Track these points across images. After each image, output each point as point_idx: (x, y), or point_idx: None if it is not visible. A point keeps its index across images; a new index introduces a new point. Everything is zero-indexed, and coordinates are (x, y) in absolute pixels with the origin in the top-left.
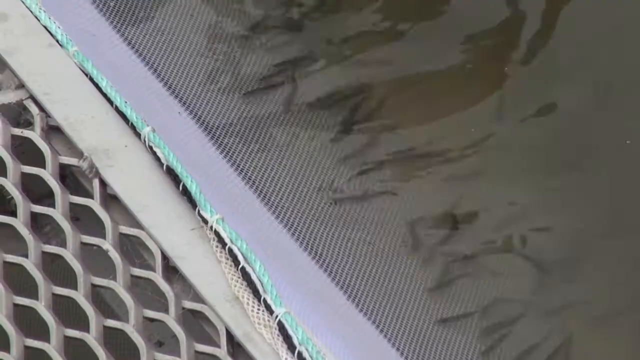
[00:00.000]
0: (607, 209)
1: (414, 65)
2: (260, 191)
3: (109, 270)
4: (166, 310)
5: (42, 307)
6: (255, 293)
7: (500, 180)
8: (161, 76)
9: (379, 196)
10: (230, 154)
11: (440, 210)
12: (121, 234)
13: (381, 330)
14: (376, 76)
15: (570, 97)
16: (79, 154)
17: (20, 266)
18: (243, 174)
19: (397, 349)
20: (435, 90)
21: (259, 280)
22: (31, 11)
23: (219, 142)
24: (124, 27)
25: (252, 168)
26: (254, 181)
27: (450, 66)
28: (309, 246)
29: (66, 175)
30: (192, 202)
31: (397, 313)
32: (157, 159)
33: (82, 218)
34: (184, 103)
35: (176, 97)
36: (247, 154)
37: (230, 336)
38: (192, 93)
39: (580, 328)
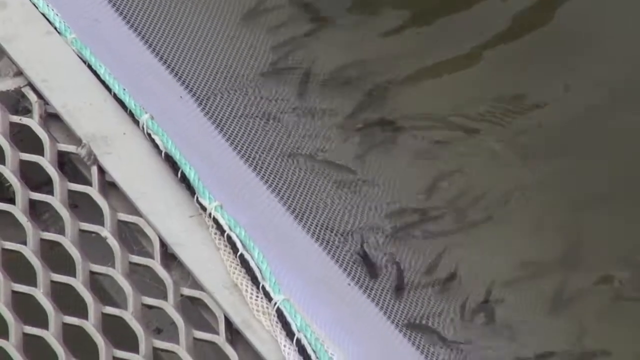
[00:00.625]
0: None
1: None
2: (263, 174)
3: (107, 258)
4: (165, 297)
5: (40, 294)
6: (254, 280)
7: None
8: (163, 59)
9: (388, 177)
10: (232, 137)
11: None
12: (119, 221)
13: (386, 315)
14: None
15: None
16: (78, 141)
17: (18, 253)
18: (246, 157)
19: (404, 334)
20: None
21: (258, 267)
22: None
23: (221, 126)
24: (127, 10)
25: (254, 151)
26: (257, 164)
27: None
28: (312, 229)
29: (64, 162)
30: (190, 189)
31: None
32: (156, 146)
33: (80, 205)
34: (187, 86)
35: (178, 80)
36: (250, 137)
37: (228, 323)
38: (195, 76)
39: None
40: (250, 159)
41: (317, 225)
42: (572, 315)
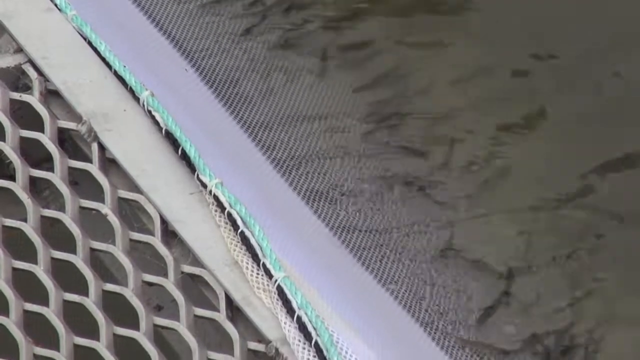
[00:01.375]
0: None
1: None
2: (267, 148)
3: (107, 235)
4: (165, 275)
5: (41, 271)
6: (255, 257)
7: None
8: (167, 32)
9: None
10: (236, 110)
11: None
12: (120, 198)
13: (388, 290)
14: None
15: None
16: (78, 118)
17: (19, 230)
18: (250, 130)
19: (405, 307)
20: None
21: (258, 244)
22: None
23: (225, 99)
24: None
25: (258, 125)
26: (260, 138)
27: None
28: (315, 204)
29: (65, 139)
30: (190, 167)
31: (405, 272)
32: (156, 123)
33: (80, 182)
34: (191, 60)
35: (182, 54)
36: (254, 110)
37: (229, 300)
38: (199, 50)
39: None
40: (254, 133)
41: (319, 200)
42: None
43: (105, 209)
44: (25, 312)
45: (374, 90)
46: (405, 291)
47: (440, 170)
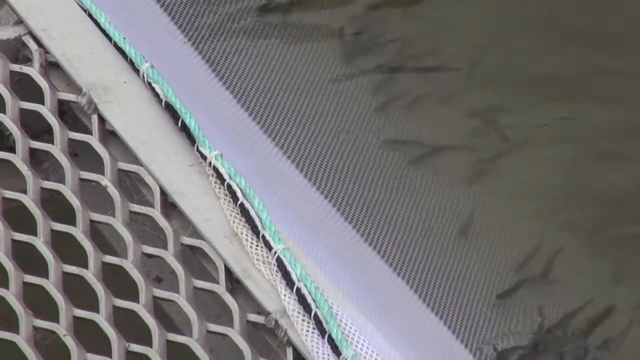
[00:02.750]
0: None
1: None
2: (264, 121)
3: (107, 207)
4: (165, 246)
5: (40, 243)
6: (254, 229)
7: None
8: (164, 5)
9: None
10: (234, 85)
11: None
12: (120, 170)
13: (386, 261)
14: None
15: None
16: (78, 90)
17: (18, 202)
18: (247, 104)
19: (402, 277)
20: None
21: (258, 216)
22: None
23: (222, 72)
24: None
25: (255, 98)
26: (257, 111)
27: None
28: (313, 176)
29: (65, 111)
30: (190, 138)
31: (402, 242)
32: (156, 95)
33: (80, 154)
34: (187, 33)
35: (179, 27)
36: (252, 85)
37: (229, 272)
38: (196, 23)
39: None
40: (251, 106)
41: (318, 173)
42: None
43: (105, 180)
44: (25, 284)
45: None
46: (404, 262)
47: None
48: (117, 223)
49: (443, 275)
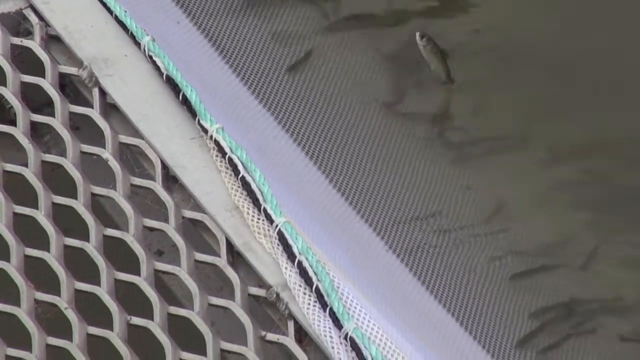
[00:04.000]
0: None
1: None
2: (263, 96)
3: (108, 180)
4: (166, 220)
5: (41, 217)
6: (255, 202)
7: None
8: None
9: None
10: (233, 61)
11: None
12: (121, 143)
13: (382, 239)
14: None
15: None
16: (79, 63)
17: (20, 175)
18: (245, 80)
19: (397, 256)
20: None
21: (259, 189)
22: None
23: (221, 49)
24: None
25: (254, 74)
26: (256, 86)
27: None
28: (311, 152)
29: (66, 84)
30: (191, 112)
31: (398, 220)
32: (157, 68)
33: (81, 127)
34: (185, 9)
35: (177, 4)
36: (251, 61)
37: (230, 245)
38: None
39: None
40: (250, 82)
41: (316, 149)
42: None
43: (106, 153)
44: (26, 257)
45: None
46: (400, 239)
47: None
48: (118, 196)
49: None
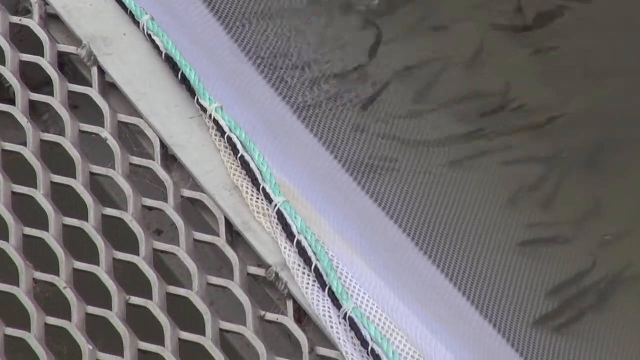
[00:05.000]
0: None
1: None
2: (268, 70)
3: (107, 159)
4: (165, 199)
5: (40, 196)
6: (255, 182)
7: None
8: None
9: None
10: (236, 34)
11: None
12: (120, 122)
13: (388, 213)
14: None
15: None
16: (78, 42)
17: (19, 154)
18: (250, 53)
19: (403, 229)
20: None
21: (258, 169)
22: None
23: (226, 22)
24: None
25: (259, 47)
26: (261, 60)
27: None
28: (314, 126)
29: (64, 63)
30: (190, 91)
31: (405, 193)
32: (156, 47)
33: (80, 106)
34: None
35: None
36: (254, 32)
37: (229, 225)
38: None
39: None
40: (255, 56)
41: (321, 124)
42: None
43: (105, 133)
44: (25, 236)
45: None
46: (406, 213)
47: None
48: (117, 175)
49: (447, 229)
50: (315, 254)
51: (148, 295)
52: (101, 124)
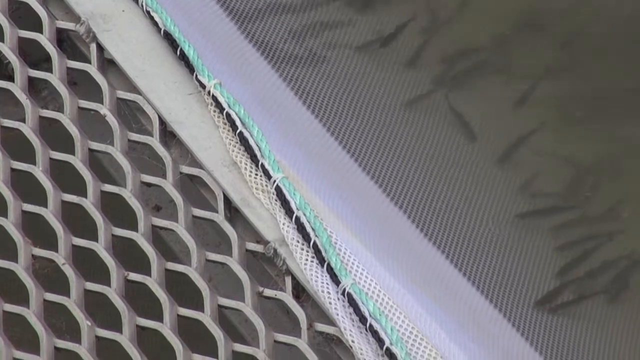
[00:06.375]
0: None
1: None
2: (265, 47)
3: (106, 135)
4: (164, 175)
5: (39, 172)
6: (253, 158)
7: None
8: None
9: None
10: (233, 11)
11: None
12: (119, 98)
13: (386, 192)
14: None
15: None
16: (76, 19)
17: (17, 131)
18: (247, 31)
19: (401, 208)
20: None
21: (257, 145)
22: None
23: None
24: None
25: (256, 25)
26: (257, 37)
27: None
28: (312, 104)
29: (63, 40)
30: (189, 67)
31: (402, 172)
32: (155, 24)
33: (79, 83)
34: None
35: None
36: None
37: (227, 201)
38: None
39: None
40: (251, 33)
41: (317, 101)
42: None
43: (104, 109)
44: (24, 212)
45: None
46: (402, 191)
47: None
48: (116, 152)
49: (444, 205)
50: (313, 230)
51: (146, 271)
52: (100, 100)
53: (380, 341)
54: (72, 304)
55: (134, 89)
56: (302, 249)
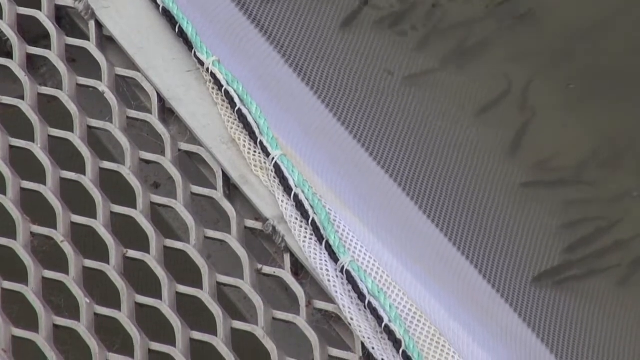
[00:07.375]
0: None
1: None
2: (262, 25)
3: (105, 112)
4: (162, 152)
5: (38, 149)
6: (252, 135)
7: None
8: None
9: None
10: None
11: None
12: (117, 75)
13: (384, 167)
14: None
15: None
16: None
17: (16, 108)
18: (245, 8)
19: (400, 185)
20: None
21: (255, 122)
22: None
23: None
24: None
25: (254, 2)
26: (255, 15)
27: None
28: (312, 82)
29: (62, 16)
30: (188, 44)
31: (400, 150)
32: (154, 0)
33: (78, 60)
34: None
35: None
36: None
37: (226, 178)
38: None
39: None
40: (249, 10)
41: (316, 78)
42: None
43: (103, 86)
44: (23, 190)
45: None
46: (401, 169)
47: None
48: (115, 129)
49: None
50: (312, 207)
51: (145, 248)
52: (98, 77)
53: (379, 318)
54: (70, 281)
55: (133, 66)
56: (301, 227)
